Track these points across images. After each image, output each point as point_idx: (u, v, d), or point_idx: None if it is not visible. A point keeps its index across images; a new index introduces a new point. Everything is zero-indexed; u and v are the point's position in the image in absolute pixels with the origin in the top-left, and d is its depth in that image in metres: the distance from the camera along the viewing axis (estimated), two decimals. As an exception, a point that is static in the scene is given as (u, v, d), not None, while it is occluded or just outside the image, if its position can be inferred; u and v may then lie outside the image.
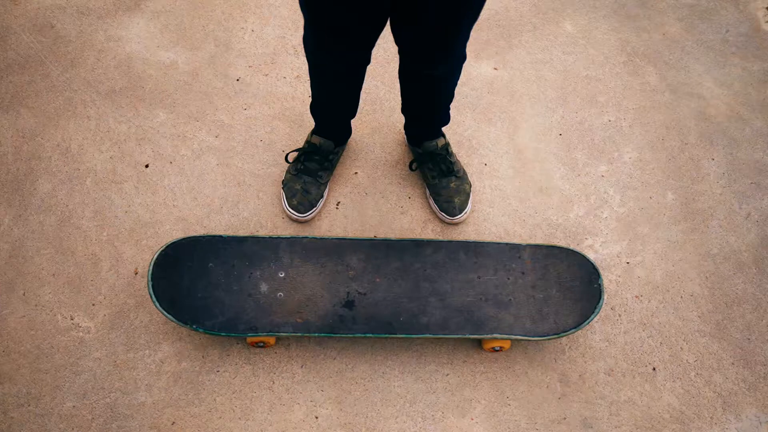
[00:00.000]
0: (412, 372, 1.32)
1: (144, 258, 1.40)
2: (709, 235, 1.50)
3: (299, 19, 1.75)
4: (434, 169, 1.44)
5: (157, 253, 1.24)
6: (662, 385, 1.33)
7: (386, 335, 1.23)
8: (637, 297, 1.42)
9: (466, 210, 1.45)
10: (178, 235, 1.42)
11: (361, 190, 1.51)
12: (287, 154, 1.43)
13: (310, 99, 1.62)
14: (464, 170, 1.49)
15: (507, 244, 1.33)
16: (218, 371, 1.30)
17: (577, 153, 1.60)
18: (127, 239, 1.42)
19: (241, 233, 1.43)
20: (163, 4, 1.75)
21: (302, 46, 1.71)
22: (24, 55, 1.65)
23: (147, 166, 1.51)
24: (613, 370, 1.34)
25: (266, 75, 1.66)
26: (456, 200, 1.43)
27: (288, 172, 1.45)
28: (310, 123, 1.58)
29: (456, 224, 1.46)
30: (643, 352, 1.36)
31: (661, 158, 1.60)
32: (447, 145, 1.45)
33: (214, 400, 1.27)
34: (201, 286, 1.24)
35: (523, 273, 1.30)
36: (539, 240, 1.47)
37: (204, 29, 1.72)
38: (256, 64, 1.67)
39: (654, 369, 1.35)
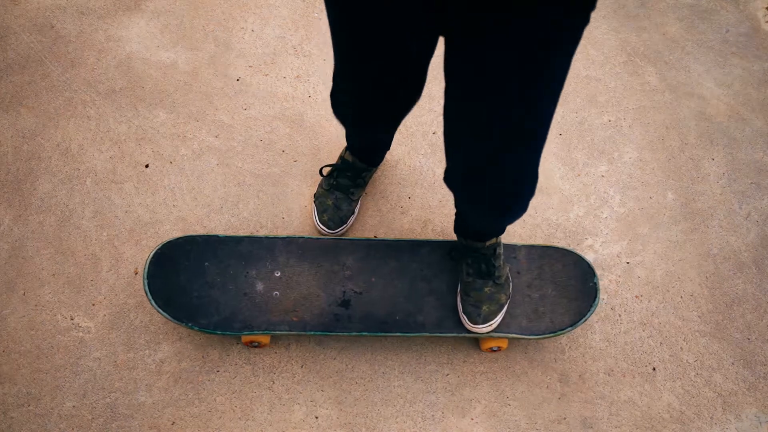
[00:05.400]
0: (412, 372, 1.32)
1: (144, 258, 1.40)
2: (709, 235, 1.50)
3: (299, 19, 1.75)
4: (472, 266, 1.23)
5: (153, 252, 1.25)
6: (662, 385, 1.33)
7: (382, 333, 1.23)
8: (637, 297, 1.42)
9: (492, 322, 1.23)
10: (178, 235, 1.43)
11: (361, 190, 1.51)
12: (321, 169, 1.41)
13: (310, 98, 1.62)
14: (508, 277, 1.27)
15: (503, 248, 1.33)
16: (218, 371, 1.30)
17: (577, 153, 1.60)
18: (127, 239, 1.42)
19: (241, 233, 1.43)
20: (163, 4, 1.75)
21: (301, 47, 1.72)
22: (24, 55, 1.65)
23: (147, 166, 1.51)
24: (613, 370, 1.34)
25: (266, 75, 1.66)
26: (484, 308, 1.22)
27: (320, 186, 1.43)
28: (310, 123, 1.58)
29: (476, 333, 1.25)
30: (643, 352, 1.36)
31: (661, 158, 1.60)
32: (496, 245, 1.22)
33: (214, 400, 1.27)
34: (197, 285, 1.25)
35: (518, 273, 1.30)
36: (539, 240, 1.47)
37: (204, 29, 1.72)
38: (256, 64, 1.67)
39: (654, 369, 1.35)
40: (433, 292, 1.27)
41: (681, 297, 1.43)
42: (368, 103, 1.03)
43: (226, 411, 1.26)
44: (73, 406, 1.26)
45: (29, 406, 1.25)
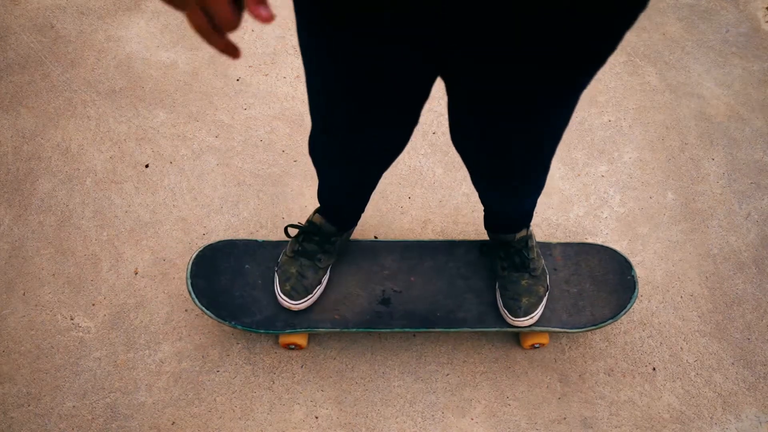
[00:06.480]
0: (412, 372, 1.32)
1: (144, 258, 1.40)
2: (709, 235, 1.50)
3: (299, 19, 1.75)
4: (505, 259, 1.23)
5: (195, 254, 1.25)
6: (662, 385, 1.33)
7: (425, 329, 1.24)
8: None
9: (533, 314, 1.21)
10: (178, 235, 1.43)
11: (361, 190, 1.51)
12: (286, 228, 1.24)
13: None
14: (544, 269, 1.26)
15: (537, 243, 1.34)
16: (218, 371, 1.30)
17: (577, 153, 1.60)
18: (127, 239, 1.42)
19: (241, 233, 1.43)
20: (163, 4, 1.75)
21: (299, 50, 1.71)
22: (24, 55, 1.65)
23: (147, 166, 1.51)
24: (613, 370, 1.34)
25: (266, 75, 1.66)
26: (523, 300, 1.21)
27: (284, 253, 1.27)
28: (310, 123, 1.58)
29: (518, 327, 1.25)
30: (643, 352, 1.36)
31: (661, 158, 1.60)
32: (527, 237, 1.22)
33: (214, 400, 1.27)
34: (238, 285, 1.26)
35: (555, 269, 1.31)
36: (539, 240, 1.47)
37: (204, 29, 1.72)
38: (256, 64, 1.68)
39: (654, 369, 1.35)
40: (472, 290, 1.28)
41: (681, 297, 1.43)
42: (356, 149, 0.94)
43: (226, 411, 1.27)
44: (73, 406, 1.26)
45: (29, 406, 1.25)
